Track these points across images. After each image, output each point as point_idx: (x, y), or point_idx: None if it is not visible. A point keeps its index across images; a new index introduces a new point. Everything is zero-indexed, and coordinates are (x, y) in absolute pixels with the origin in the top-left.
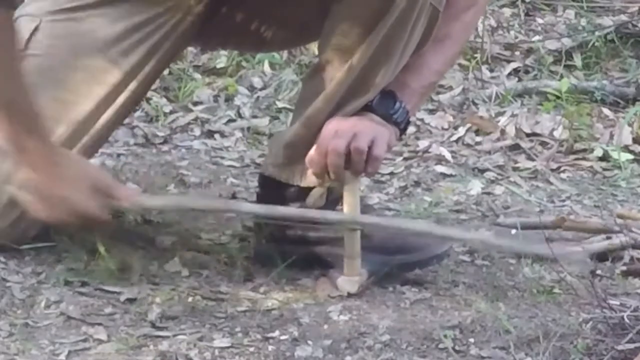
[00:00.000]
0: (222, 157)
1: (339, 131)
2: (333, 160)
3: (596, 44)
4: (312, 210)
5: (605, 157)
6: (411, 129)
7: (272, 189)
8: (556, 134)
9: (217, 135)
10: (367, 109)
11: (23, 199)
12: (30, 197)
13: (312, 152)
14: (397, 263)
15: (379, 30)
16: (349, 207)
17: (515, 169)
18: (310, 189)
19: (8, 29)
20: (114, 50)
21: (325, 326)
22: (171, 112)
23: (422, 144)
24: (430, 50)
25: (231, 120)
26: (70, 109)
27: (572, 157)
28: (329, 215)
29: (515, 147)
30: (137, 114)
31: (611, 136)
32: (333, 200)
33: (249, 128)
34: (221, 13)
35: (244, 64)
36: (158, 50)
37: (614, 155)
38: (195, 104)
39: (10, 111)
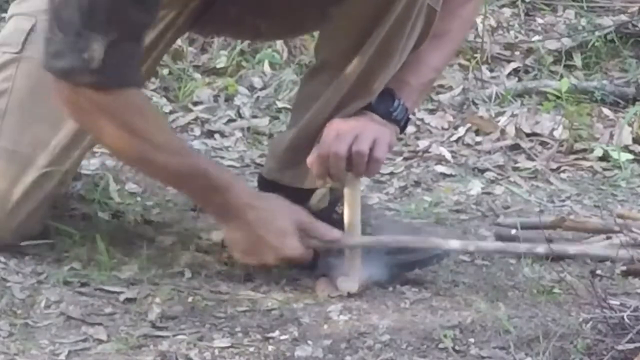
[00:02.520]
0: (222, 157)
1: (341, 133)
2: (334, 163)
3: (596, 44)
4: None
5: (605, 157)
6: (411, 129)
7: (272, 191)
8: (556, 134)
9: (217, 135)
10: (366, 107)
11: (231, 251)
12: (236, 248)
13: (313, 154)
14: (397, 263)
15: (378, 32)
16: (349, 207)
17: (515, 169)
18: (310, 190)
19: (148, 105)
20: None
21: (325, 326)
22: (171, 112)
23: (422, 144)
24: (428, 47)
25: (231, 120)
26: None
27: (572, 157)
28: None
29: (515, 147)
30: None
31: (611, 136)
32: (334, 201)
33: (249, 128)
34: (217, 4)
35: (244, 64)
36: (156, 46)
37: (614, 155)
38: (195, 104)
39: (183, 181)
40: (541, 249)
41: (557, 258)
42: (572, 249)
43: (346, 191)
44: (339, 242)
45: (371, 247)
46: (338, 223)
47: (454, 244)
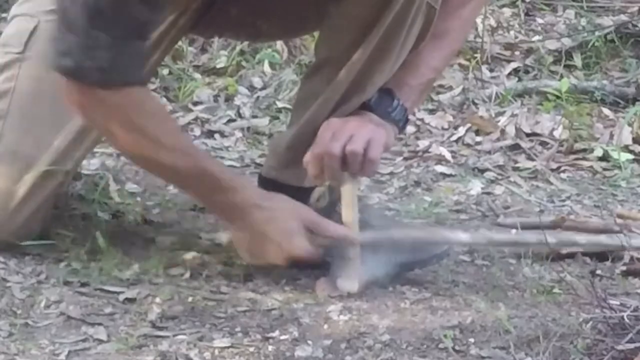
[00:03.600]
0: (222, 157)
1: (335, 133)
2: (329, 163)
3: (596, 44)
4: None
5: (605, 157)
6: (411, 129)
7: (272, 190)
8: (556, 134)
9: (217, 135)
10: (365, 107)
11: (238, 251)
12: (243, 249)
13: (309, 154)
14: (397, 263)
15: (377, 30)
16: (346, 207)
17: (515, 169)
18: (310, 189)
19: (156, 104)
20: None
21: (325, 326)
22: (171, 112)
23: (422, 144)
24: (428, 47)
25: (231, 120)
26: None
27: (572, 157)
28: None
29: (515, 147)
30: None
31: (611, 136)
32: (334, 200)
33: (249, 128)
34: (218, 5)
35: (244, 64)
36: (157, 48)
37: (614, 155)
38: (195, 104)
39: (190, 181)
40: (552, 238)
41: (557, 258)
42: (580, 238)
43: (343, 191)
44: (349, 239)
45: (381, 244)
46: (338, 222)
47: (464, 236)
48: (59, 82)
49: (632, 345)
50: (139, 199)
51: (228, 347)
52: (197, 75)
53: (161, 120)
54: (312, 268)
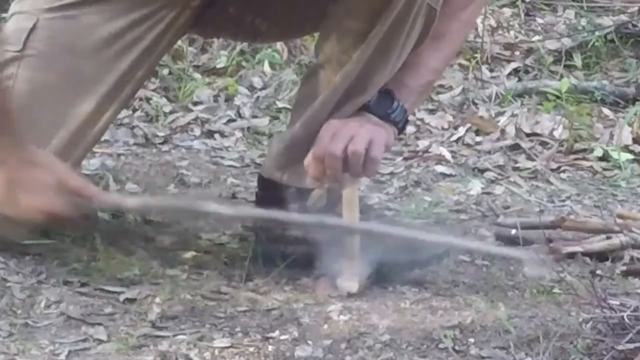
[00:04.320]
0: (222, 157)
1: (336, 134)
2: (330, 164)
3: (596, 44)
4: (277, 212)
5: (605, 157)
6: (411, 129)
7: (271, 190)
8: (556, 134)
9: (217, 135)
10: (365, 109)
11: None
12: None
13: (310, 155)
14: (397, 263)
15: (377, 31)
16: (348, 208)
17: (515, 169)
18: (310, 189)
19: None
20: (112, 49)
21: (325, 326)
22: (171, 112)
23: (422, 144)
24: (428, 48)
25: (231, 120)
26: (70, 111)
27: (572, 157)
28: (294, 217)
29: (515, 147)
30: (137, 114)
31: (611, 136)
32: (333, 201)
33: (249, 128)
34: (217, 4)
35: (244, 64)
36: (157, 47)
37: (614, 155)
38: (195, 104)
39: None
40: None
41: (557, 258)
42: None
43: (344, 192)
44: (106, 201)
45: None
46: None
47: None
48: None
49: (632, 345)
50: None
51: (228, 347)
52: (197, 75)
53: None
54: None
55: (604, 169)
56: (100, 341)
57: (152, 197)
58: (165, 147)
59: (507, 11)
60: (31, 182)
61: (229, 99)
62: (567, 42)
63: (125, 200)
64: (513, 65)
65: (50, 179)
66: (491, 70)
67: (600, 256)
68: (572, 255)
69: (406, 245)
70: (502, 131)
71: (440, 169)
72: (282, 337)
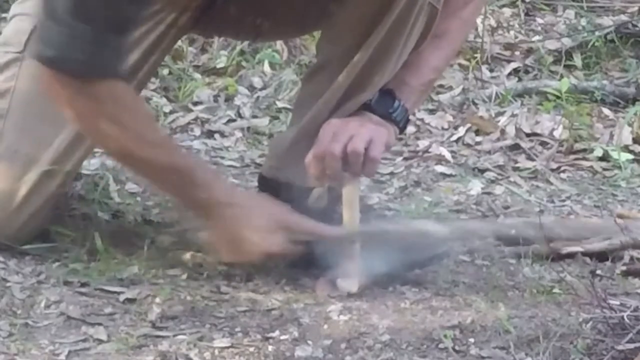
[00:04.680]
0: (222, 157)
1: (336, 134)
2: (330, 164)
3: (596, 44)
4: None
5: (605, 157)
6: (411, 129)
7: (271, 190)
8: (556, 134)
9: (217, 135)
10: (366, 108)
11: (211, 248)
12: (217, 246)
13: (310, 155)
14: (397, 263)
15: (379, 30)
16: (348, 208)
17: (515, 169)
18: (310, 189)
19: (135, 98)
20: None
21: (325, 326)
22: (171, 112)
23: (422, 144)
24: (429, 47)
25: (231, 120)
26: None
27: (572, 157)
28: None
29: (515, 147)
30: None
31: (611, 136)
32: (333, 200)
33: (249, 128)
34: (217, 5)
35: (244, 64)
36: (158, 47)
37: (614, 155)
38: (195, 104)
39: (166, 177)
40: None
41: (557, 258)
42: None
43: (344, 191)
44: (321, 233)
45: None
46: (338, 223)
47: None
48: (40, 73)
49: (632, 345)
50: (139, 199)
51: (228, 347)
52: (197, 75)
53: (141, 114)
54: (304, 263)
55: (604, 169)
56: (100, 341)
57: (364, 227)
58: None
59: (507, 11)
60: (244, 227)
61: (229, 99)
62: (567, 42)
63: (339, 231)
64: (513, 65)
65: (263, 219)
66: (491, 70)
67: (600, 256)
68: (572, 255)
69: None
70: (502, 131)
71: (440, 169)
72: (282, 337)
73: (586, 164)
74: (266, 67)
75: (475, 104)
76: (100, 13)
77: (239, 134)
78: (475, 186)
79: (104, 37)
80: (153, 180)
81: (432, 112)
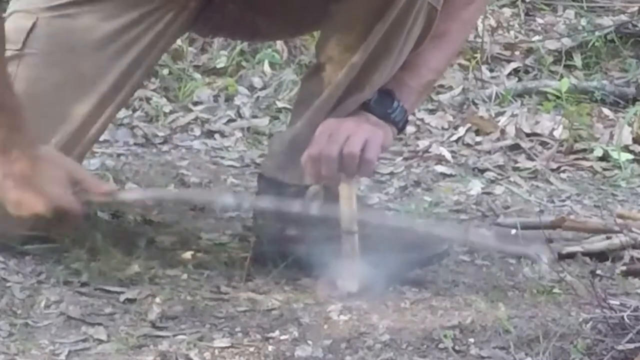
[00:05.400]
0: (222, 157)
1: (333, 134)
2: (326, 164)
3: (596, 44)
4: (291, 203)
5: (605, 157)
6: (411, 129)
7: (271, 189)
8: (556, 134)
9: (217, 135)
10: (364, 108)
11: (2, 193)
12: (8, 189)
13: (306, 155)
14: (397, 263)
15: (378, 30)
16: (345, 207)
17: (515, 169)
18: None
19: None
20: (111, 48)
21: (325, 326)
22: (171, 112)
23: (422, 144)
24: (429, 48)
25: (231, 120)
26: (69, 110)
27: (572, 157)
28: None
29: (515, 147)
30: (137, 114)
31: (611, 136)
32: (331, 198)
33: (249, 128)
34: (215, 4)
35: (244, 64)
36: (156, 46)
37: (614, 155)
38: (195, 104)
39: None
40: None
41: (557, 258)
42: None
43: (341, 191)
44: (111, 195)
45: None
46: (337, 223)
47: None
48: None
49: (632, 345)
50: None
51: (228, 347)
52: (197, 75)
53: None
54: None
55: (604, 169)
56: (100, 341)
57: (159, 190)
58: (165, 147)
59: (507, 11)
60: (41, 177)
61: (229, 99)
62: (567, 42)
63: (131, 194)
64: (513, 65)
65: (58, 173)
66: (491, 70)
67: (600, 256)
68: (572, 255)
69: (406, 245)
70: (502, 131)
71: (440, 169)
72: (282, 337)
73: (586, 164)
74: (266, 67)
75: (475, 104)
76: None
77: (239, 134)
78: (475, 186)
79: None
80: None
81: (432, 112)
